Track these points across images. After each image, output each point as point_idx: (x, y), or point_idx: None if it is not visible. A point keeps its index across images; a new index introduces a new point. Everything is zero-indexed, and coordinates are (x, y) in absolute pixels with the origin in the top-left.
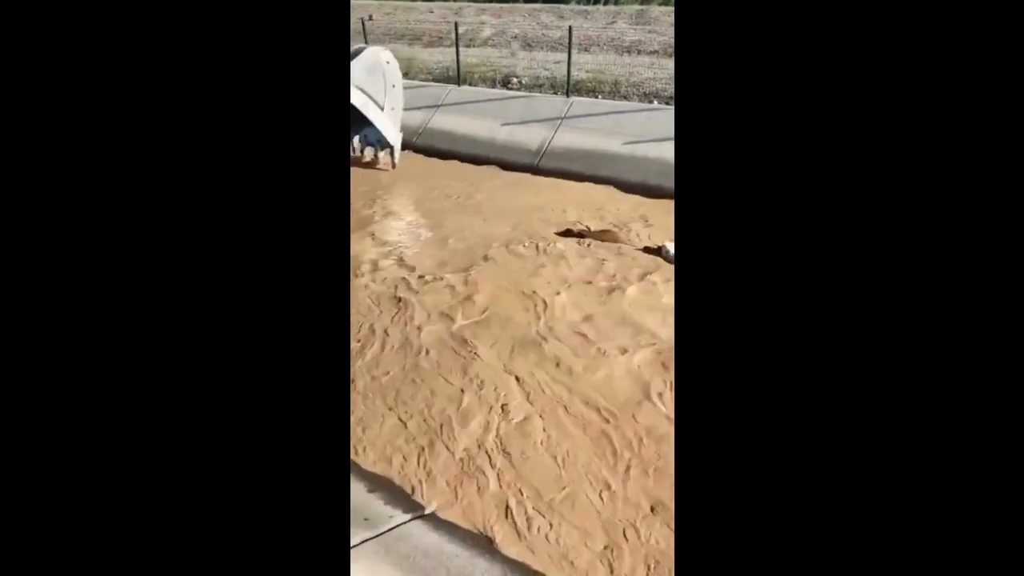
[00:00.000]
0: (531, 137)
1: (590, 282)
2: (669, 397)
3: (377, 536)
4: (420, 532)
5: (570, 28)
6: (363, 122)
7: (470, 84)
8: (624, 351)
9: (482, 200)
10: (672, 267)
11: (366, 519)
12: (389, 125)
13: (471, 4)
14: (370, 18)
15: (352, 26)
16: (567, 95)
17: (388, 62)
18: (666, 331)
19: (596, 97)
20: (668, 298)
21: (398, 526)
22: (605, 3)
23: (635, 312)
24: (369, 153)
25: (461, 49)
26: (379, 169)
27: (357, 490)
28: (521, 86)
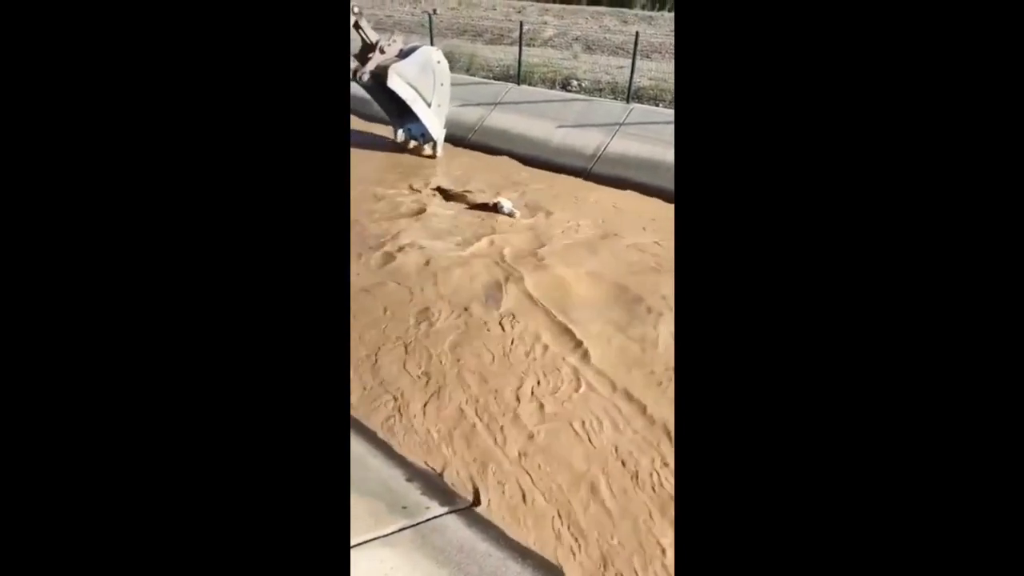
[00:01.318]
0: (587, 141)
1: None
2: None
3: (414, 526)
4: (456, 526)
5: (636, 34)
6: (410, 116)
7: (530, 84)
8: None
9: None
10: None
11: (404, 507)
12: (434, 121)
13: (534, 4)
14: (434, 11)
15: (417, 19)
16: (627, 101)
17: (439, 62)
18: None
19: (657, 105)
20: None
21: (434, 518)
22: (670, 9)
23: None
24: (412, 143)
25: (522, 48)
26: (425, 156)
27: (394, 476)
28: (581, 89)
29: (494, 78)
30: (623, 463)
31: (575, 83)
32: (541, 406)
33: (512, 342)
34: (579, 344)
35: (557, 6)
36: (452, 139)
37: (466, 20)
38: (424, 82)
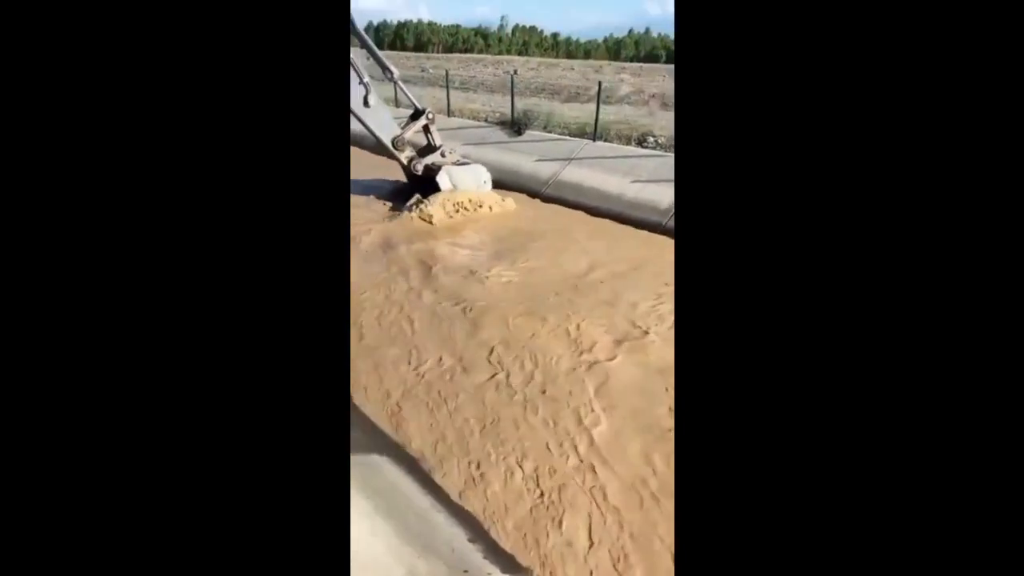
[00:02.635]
0: (661, 196)
1: None
2: None
3: None
4: None
5: None
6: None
7: (605, 140)
8: None
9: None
10: None
11: (465, 572)
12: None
13: (610, 63)
14: (515, 72)
15: (500, 79)
16: None
17: (485, 182)
18: None
19: None
20: None
21: None
22: None
23: None
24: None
25: (599, 106)
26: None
27: (457, 536)
28: (657, 145)
29: (570, 135)
30: None
31: (651, 139)
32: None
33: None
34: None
35: (634, 65)
36: (527, 191)
37: (545, 79)
38: (466, 186)
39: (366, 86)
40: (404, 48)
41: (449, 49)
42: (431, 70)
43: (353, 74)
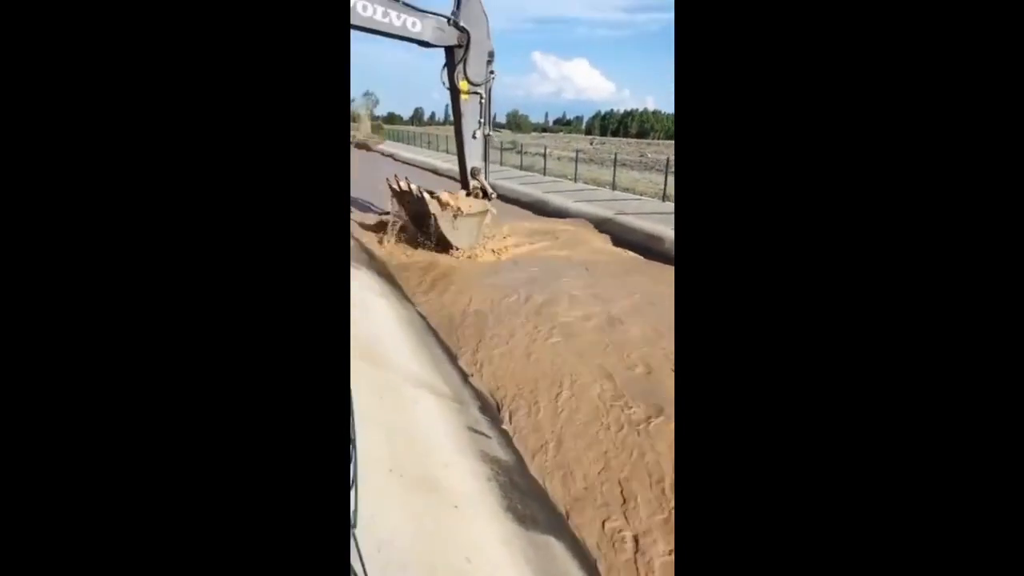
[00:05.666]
0: None
1: None
2: None
3: None
4: None
5: None
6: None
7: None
8: None
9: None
10: None
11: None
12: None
13: (660, 142)
14: (591, 143)
15: (570, 154)
16: None
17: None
18: None
19: None
20: None
21: None
22: None
23: None
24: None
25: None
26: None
27: None
28: None
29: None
30: None
31: None
32: None
33: None
34: None
35: None
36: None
37: (607, 153)
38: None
39: (483, 124)
40: (627, 135)
41: (669, 136)
42: (649, 155)
43: (478, 108)
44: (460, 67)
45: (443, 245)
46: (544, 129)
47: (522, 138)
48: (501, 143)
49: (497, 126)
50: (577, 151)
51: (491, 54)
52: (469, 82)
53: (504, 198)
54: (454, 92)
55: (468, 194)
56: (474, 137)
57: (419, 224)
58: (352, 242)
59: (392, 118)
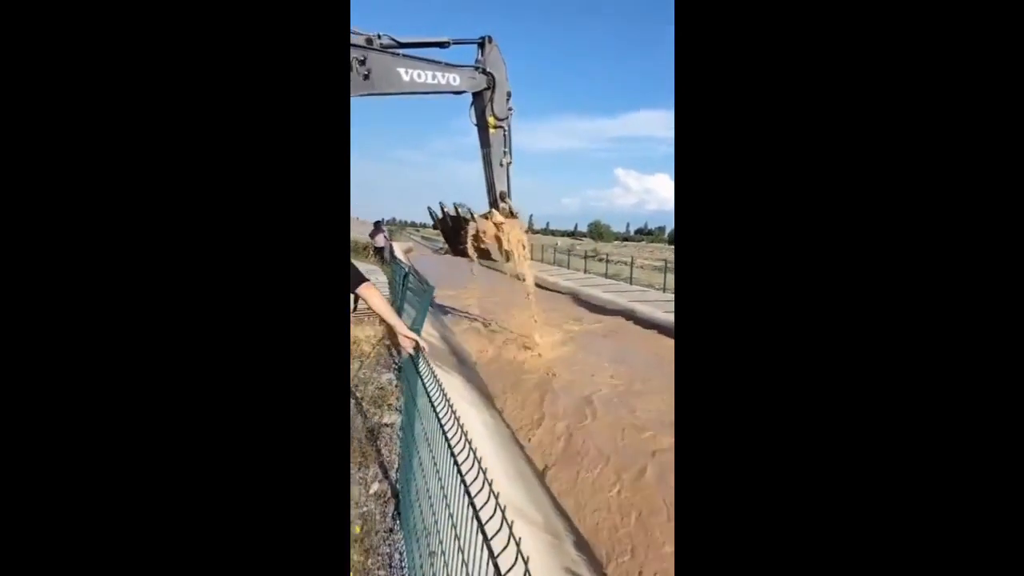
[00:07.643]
0: None
1: None
2: None
3: None
4: None
5: None
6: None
7: None
8: None
9: None
10: None
11: None
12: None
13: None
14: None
15: (654, 262)
16: None
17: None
18: None
19: None
20: None
21: None
22: None
23: None
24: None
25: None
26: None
27: None
28: None
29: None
30: None
31: None
32: None
33: None
34: None
35: None
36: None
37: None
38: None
39: (507, 153)
40: None
41: None
42: None
43: (502, 140)
44: (489, 106)
45: (483, 255)
46: (626, 238)
47: (604, 247)
48: (585, 252)
49: (578, 235)
50: (665, 261)
51: (509, 93)
52: (495, 118)
53: (587, 304)
54: (482, 129)
55: (499, 212)
56: (500, 165)
57: (455, 239)
58: None
59: None
